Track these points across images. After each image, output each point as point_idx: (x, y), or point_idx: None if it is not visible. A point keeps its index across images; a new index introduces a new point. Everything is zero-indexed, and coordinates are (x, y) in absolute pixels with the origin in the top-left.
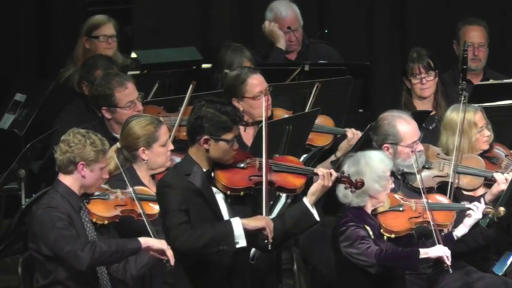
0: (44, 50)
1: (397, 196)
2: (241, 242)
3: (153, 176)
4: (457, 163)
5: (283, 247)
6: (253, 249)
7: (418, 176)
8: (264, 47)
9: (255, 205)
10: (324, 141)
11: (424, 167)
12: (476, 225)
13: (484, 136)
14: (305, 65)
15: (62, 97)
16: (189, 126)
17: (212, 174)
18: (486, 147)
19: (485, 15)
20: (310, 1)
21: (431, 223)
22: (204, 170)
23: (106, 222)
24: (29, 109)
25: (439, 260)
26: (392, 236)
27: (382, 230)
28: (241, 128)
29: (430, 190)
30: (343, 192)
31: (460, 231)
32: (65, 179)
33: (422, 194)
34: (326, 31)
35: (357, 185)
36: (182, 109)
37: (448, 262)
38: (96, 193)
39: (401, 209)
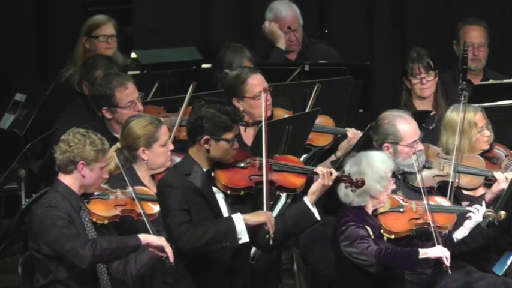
0: (44, 50)
1: (398, 197)
2: (244, 237)
3: (153, 176)
4: (457, 162)
5: (283, 247)
6: (253, 249)
7: (418, 176)
8: (264, 47)
9: (255, 205)
10: (324, 141)
11: (424, 167)
12: (476, 225)
13: (484, 136)
14: (305, 65)
15: (62, 97)
16: (189, 127)
17: (212, 174)
18: (486, 147)
19: (485, 15)
20: (310, 1)
21: (432, 225)
22: (204, 170)
23: (106, 221)
24: (29, 109)
25: (438, 261)
26: (392, 236)
27: (382, 231)
28: (242, 128)
29: (430, 190)
30: (344, 192)
31: (460, 233)
32: (65, 179)
33: (423, 194)
34: (326, 31)
35: (357, 184)
36: (182, 109)
37: (447, 263)
38: (96, 193)
39: (402, 210)
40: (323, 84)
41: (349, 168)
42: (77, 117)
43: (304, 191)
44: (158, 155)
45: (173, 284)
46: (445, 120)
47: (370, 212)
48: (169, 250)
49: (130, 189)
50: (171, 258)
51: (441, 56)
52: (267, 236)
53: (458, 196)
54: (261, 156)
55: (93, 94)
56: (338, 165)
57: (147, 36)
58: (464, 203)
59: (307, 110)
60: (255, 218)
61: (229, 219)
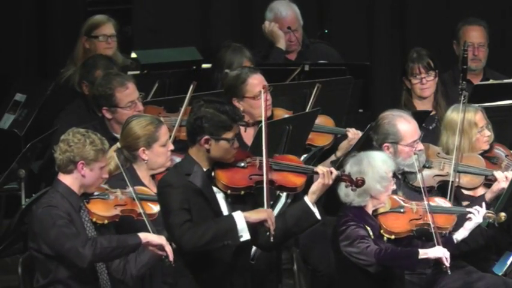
0: (44, 50)
1: (398, 198)
2: (245, 235)
3: (153, 176)
4: (457, 162)
5: (283, 247)
6: (253, 249)
7: (419, 175)
8: (264, 47)
9: (256, 204)
10: (324, 141)
11: (424, 166)
12: (476, 226)
13: (484, 136)
14: (305, 65)
15: (62, 97)
16: (189, 127)
17: (212, 174)
18: (486, 147)
19: (485, 15)
20: (310, 1)
21: (432, 226)
22: (204, 170)
23: (106, 221)
24: (29, 109)
25: (438, 261)
26: (392, 237)
27: (382, 231)
28: (242, 128)
29: (430, 189)
30: (345, 191)
31: (460, 234)
32: (65, 179)
33: (423, 194)
34: (326, 31)
35: (358, 183)
36: (183, 109)
37: (447, 263)
38: (96, 193)
39: (402, 210)
40: (323, 84)
41: (350, 168)
42: (77, 117)
43: (305, 191)
44: (158, 155)
45: (173, 284)
46: (445, 120)
47: (370, 212)
48: (168, 249)
49: (130, 189)
50: (171, 257)
51: (441, 56)
52: (268, 233)
53: (458, 196)
54: (261, 155)
55: (93, 94)
56: (338, 165)
57: (147, 36)
58: (465, 203)
59: (307, 110)
60: (256, 215)
61: (230, 217)
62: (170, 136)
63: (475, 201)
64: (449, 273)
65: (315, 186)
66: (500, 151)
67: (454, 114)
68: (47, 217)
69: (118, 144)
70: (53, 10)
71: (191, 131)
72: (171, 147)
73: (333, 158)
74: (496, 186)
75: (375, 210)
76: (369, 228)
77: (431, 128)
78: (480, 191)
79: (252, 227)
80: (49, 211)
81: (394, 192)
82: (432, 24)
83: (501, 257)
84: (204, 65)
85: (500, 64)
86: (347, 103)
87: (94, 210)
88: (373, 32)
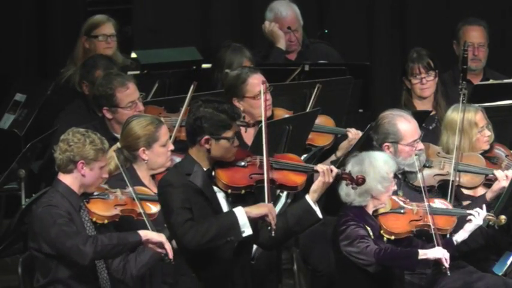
0: (44, 50)
1: (398, 199)
2: (247, 230)
3: (153, 176)
4: (457, 161)
5: (283, 247)
6: (253, 249)
7: (419, 175)
8: (264, 47)
9: (256, 203)
10: (324, 141)
11: (424, 166)
12: None
13: (484, 136)
14: (305, 65)
15: (62, 97)
16: (189, 128)
17: (213, 173)
18: (487, 147)
19: (485, 15)
20: (310, 1)
21: (432, 227)
22: (205, 169)
23: (106, 221)
24: (29, 109)
25: (437, 262)
26: (392, 237)
27: (382, 231)
28: (242, 128)
29: (430, 189)
30: (346, 191)
31: (460, 236)
32: (65, 178)
33: (423, 193)
34: (326, 31)
35: (358, 181)
36: (183, 109)
37: (447, 264)
38: (96, 193)
39: (402, 211)
40: (323, 84)
41: (351, 167)
42: (77, 117)
43: (305, 190)
44: (158, 155)
45: (173, 283)
46: (445, 120)
47: (370, 212)
48: (168, 247)
49: (130, 189)
50: (170, 255)
51: (441, 56)
52: (269, 228)
53: (458, 196)
54: (261, 155)
55: (93, 94)
56: (338, 164)
57: (147, 36)
58: (466, 202)
59: (307, 110)
60: (257, 210)
61: (232, 213)
62: (170, 136)
63: (476, 200)
64: (449, 274)
65: (316, 185)
66: (500, 151)
67: (455, 114)
68: (47, 216)
69: (118, 144)
70: (53, 10)
71: (191, 131)
72: (171, 147)
73: (333, 158)
74: (497, 186)
75: (375, 211)
76: (369, 228)
77: (431, 128)
78: (480, 191)
79: (254, 222)
80: (49, 210)
81: (395, 192)
82: (432, 24)
83: (501, 257)
84: (204, 65)
85: (500, 64)
86: (347, 103)
87: (94, 210)
88: (373, 32)
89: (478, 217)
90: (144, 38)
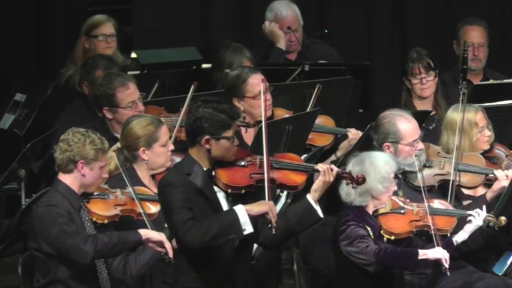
0: (44, 50)
1: (398, 200)
2: (248, 228)
3: (153, 176)
4: (457, 161)
5: (283, 247)
6: (253, 249)
7: (419, 175)
8: (264, 47)
9: None
10: (324, 141)
11: (424, 166)
12: None
13: (484, 136)
14: (305, 65)
15: (62, 97)
16: (188, 128)
17: (213, 173)
18: (487, 147)
19: (485, 15)
20: (310, 1)
21: (432, 227)
22: (205, 169)
23: (106, 221)
24: (29, 109)
25: (437, 262)
26: (392, 238)
27: (382, 232)
28: (243, 129)
29: (431, 188)
30: (346, 191)
31: (460, 237)
32: (65, 178)
33: (423, 193)
34: (326, 31)
35: (358, 181)
36: (183, 110)
37: (446, 265)
38: (96, 193)
39: (402, 211)
40: (323, 84)
41: (351, 167)
42: (77, 117)
43: (305, 190)
44: (158, 155)
45: (173, 283)
46: (445, 120)
47: (371, 212)
48: (168, 246)
49: (129, 189)
50: (170, 254)
51: (441, 56)
52: (270, 226)
53: (458, 196)
54: (261, 155)
55: (94, 94)
56: (338, 164)
57: (147, 36)
58: (467, 202)
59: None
60: (257, 207)
61: (232, 212)
62: (171, 136)
63: (476, 200)
64: (449, 274)
65: (317, 184)
66: (500, 151)
67: (455, 114)
68: (48, 215)
69: (118, 144)
70: (53, 10)
71: (191, 132)
72: (171, 147)
73: (333, 158)
74: (497, 185)
75: (375, 211)
76: (369, 228)
77: (431, 128)
78: (480, 191)
79: (254, 220)
80: (49, 210)
81: (395, 192)
82: (432, 24)
83: (501, 257)
84: (204, 65)
85: (500, 64)
86: (347, 103)
87: (94, 209)
88: (373, 32)
89: (478, 218)
90: (144, 38)
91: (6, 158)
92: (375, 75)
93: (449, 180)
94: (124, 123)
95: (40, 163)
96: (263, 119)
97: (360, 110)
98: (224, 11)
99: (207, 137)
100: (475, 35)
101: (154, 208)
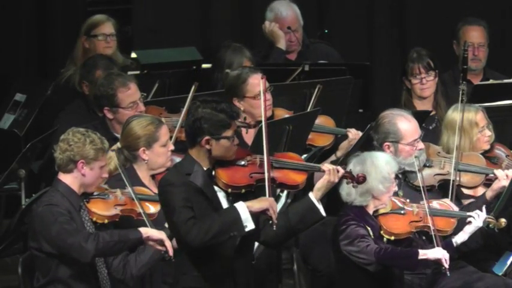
0: (44, 50)
1: (398, 201)
2: (250, 225)
3: (153, 176)
4: (458, 161)
5: (283, 247)
6: (253, 249)
7: (419, 175)
8: (264, 47)
9: None
10: (325, 141)
11: (425, 165)
12: None
13: (485, 136)
14: (305, 65)
15: (62, 97)
16: (188, 129)
17: (213, 173)
18: (487, 147)
19: (485, 15)
20: (310, 1)
21: (432, 228)
22: (205, 169)
23: (106, 221)
24: (29, 109)
25: (437, 262)
26: (392, 238)
27: (382, 232)
28: (243, 129)
29: (431, 188)
30: (347, 190)
31: (459, 238)
32: (65, 178)
33: (423, 193)
34: (326, 31)
35: (359, 180)
36: (184, 110)
37: (446, 265)
38: (96, 192)
39: (402, 212)
40: (323, 84)
41: (353, 167)
42: (77, 117)
43: (304, 190)
44: (158, 155)
45: (173, 283)
46: (446, 120)
47: (371, 212)
48: (168, 244)
49: (129, 189)
50: (170, 252)
51: (441, 56)
52: (270, 222)
53: (458, 195)
54: (261, 154)
55: (95, 94)
56: (338, 164)
57: (147, 36)
58: (468, 201)
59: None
60: (258, 204)
61: (233, 209)
62: (171, 137)
63: (477, 200)
64: (449, 274)
65: (321, 183)
66: (500, 151)
67: (455, 114)
68: (48, 214)
69: (118, 144)
70: (53, 10)
71: (191, 132)
72: (172, 147)
73: (333, 158)
74: (497, 184)
75: (375, 211)
76: (369, 228)
77: (431, 128)
78: (480, 191)
79: (256, 218)
80: (50, 209)
81: (395, 193)
82: (432, 24)
83: (501, 257)
84: (204, 65)
85: (500, 64)
86: (347, 103)
87: (94, 209)
88: (373, 32)
89: (477, 219)
90: (144, 38)
91: (6, 158)
92: (375, 75)
93: (449, 180)
94: (124, 123)
95: (40, 163)
96: (263, 118)
97: (360, 110)
98: (224, 11)
99: (207, 137)
100: (475, 35)
101: (154, 208)
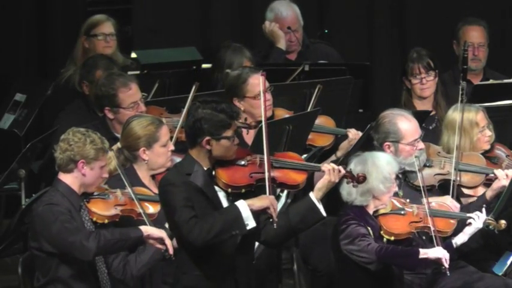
0: (44, 50)
1: (398, 202)
2: (251, 223)
3: (153, 177)
4: (458, 160)
5: (283, 247)
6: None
7: (419, 174)
8: (264, 47)
9: None
10: (325, 142)
11: (425, 165)
12: None
13: (485, 136)
14: (305, 65)
15: (62, 97)
16: (188, 130)
17: (213, 173)
18: (487, 147)
19: (485, 15)
20: (310, 1)
21: (432, 229)
22: (205, 169)
23: (106, 221)
24: (29, 109)
25: (437, 262)
26: (392, 238)
27: (382, 232)
28: (244, 130)
29: (431, 188)
30: (347, 190)
31: (459, 239)
32: (65, 178)
33: (423, 193)
34: (326, 31)
35: (359, 179)
36: (185, 110)
37: (446, 265)
38: (96, 192)
39: (402, 212)
40: (323, 84)
41: (353, 167)
42: (77, 117)
43: (304, 190)
44: (159, 155)
45: (174, 283)
46: (446, 119)
47: (371, 212)
48: (168, 242)
49: (129, 189)
50: (171, 251)
51: (441, 56)
52: (271, 220)
53: (458, 195)
54: (261, 154)
55: (95, 94)
56: (339, 165)
57: (147, 36)
58: (469, 200)
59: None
60: (259, 202)
61: (234, 207)
62: (172, 137)
63: (477, 200)
64: (449, 274)
65: (321, 183)
66: (501, 151)
67: (456, 114)
68: (49, 213)
69: (118, 144)
70: (53, 10)
71: (191, 133)
72: (172, 147)
73: (333, 158)
74: (497, 184)
75: (375, 211)
76: (369, 228)
77: (431, 128)
78: (480, 190)
79: (256, 216)
80: (50, 208)
81: (395, 193)
82: (432, 24)
83: (501, 257)
84: (204, 65)
85: (500, 64)
86: (347, 103)
87: (94, 209)
88: (373, 32)
89: (478, 220)
90: (144, 38)
91: (6, 158)
92: (375, 75)
93: (449, 180)
94: (124, 123)
95: (40, 163)
96: (263, 118)
97: (360, 110)
98: (224, 11)
99: (207, 137)
100: (475, 35)
101: (153, 208)
